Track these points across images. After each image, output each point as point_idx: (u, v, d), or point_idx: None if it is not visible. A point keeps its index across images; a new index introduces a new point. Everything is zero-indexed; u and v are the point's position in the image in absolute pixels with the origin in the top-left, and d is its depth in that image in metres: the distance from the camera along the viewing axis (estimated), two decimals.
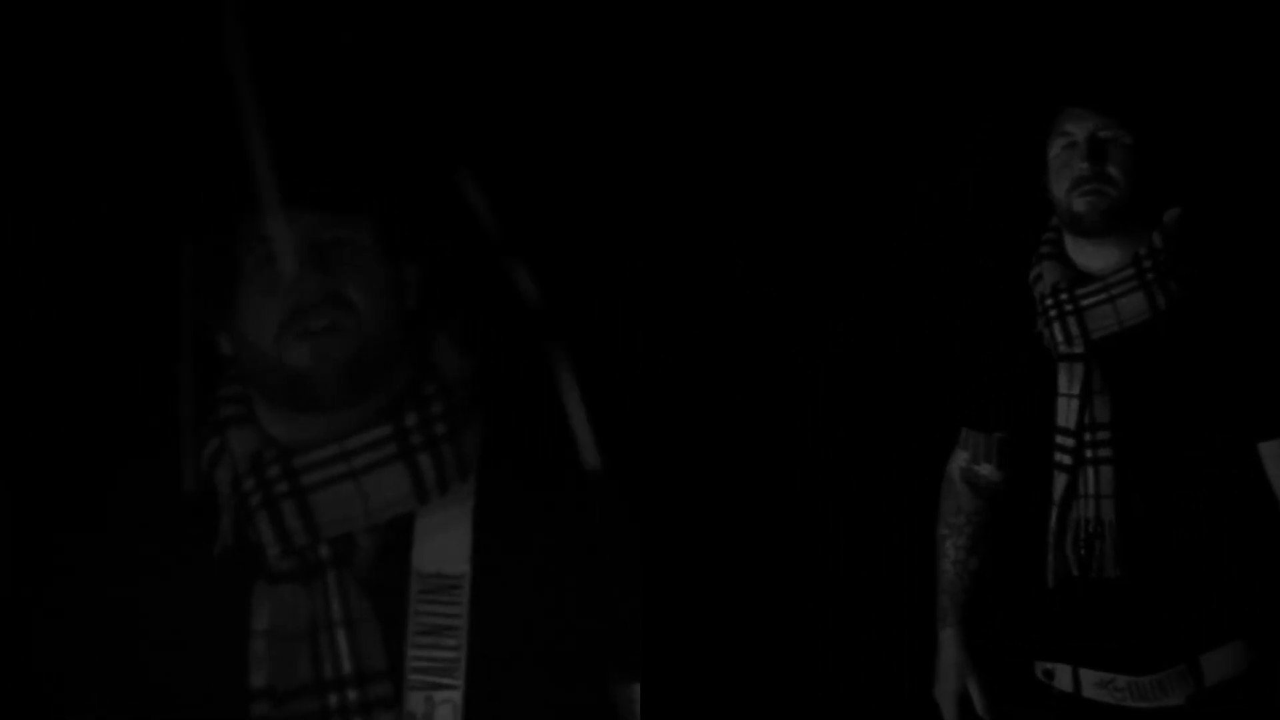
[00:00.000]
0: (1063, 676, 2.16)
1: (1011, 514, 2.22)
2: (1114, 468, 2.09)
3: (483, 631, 1.64)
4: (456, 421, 1.67)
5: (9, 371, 2.13)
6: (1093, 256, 2.12)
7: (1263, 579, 2.09)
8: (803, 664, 2.61)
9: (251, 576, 1.62)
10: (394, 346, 1.65)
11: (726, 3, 2.54)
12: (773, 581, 2.63)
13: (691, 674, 2.54)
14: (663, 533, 2.37)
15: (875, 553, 2.37)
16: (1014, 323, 2.19)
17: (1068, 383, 2.11)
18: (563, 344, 1.83)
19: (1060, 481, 2.11)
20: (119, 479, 1.72)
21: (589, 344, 2.28)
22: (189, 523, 1.66)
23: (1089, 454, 2.10)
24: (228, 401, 1.68)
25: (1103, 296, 2.09)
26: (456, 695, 1.63)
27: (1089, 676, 2.13)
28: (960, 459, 2.27)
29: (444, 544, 1.65)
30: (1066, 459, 2.10)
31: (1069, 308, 2.10)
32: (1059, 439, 2.11)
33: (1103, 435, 2.09)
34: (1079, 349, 2.10)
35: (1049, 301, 2.12)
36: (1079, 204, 2.08)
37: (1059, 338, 2.11)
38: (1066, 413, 2.11)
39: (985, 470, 2.25)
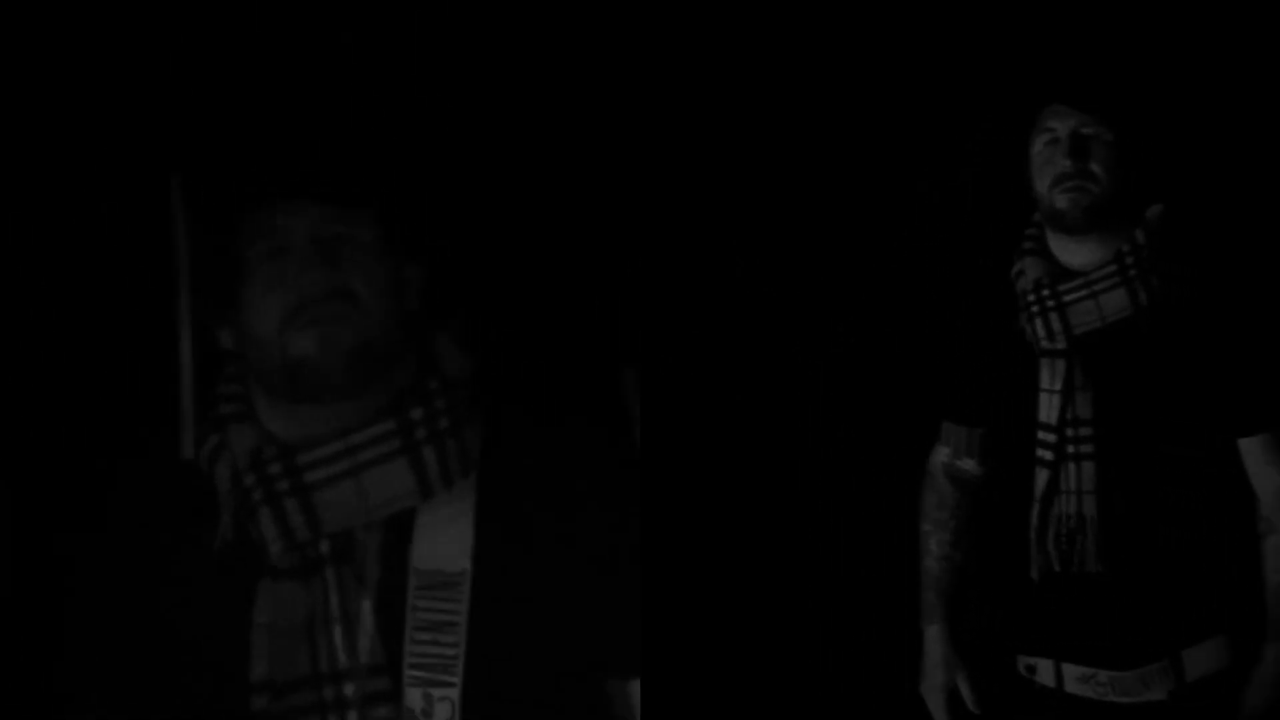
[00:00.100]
0: (1045, 671, 2.17)
1: (993, 509, 2.22)
2: (1096, 463, 2.10)
3: (482, 629, 1.65)
4: (459, 418, 1.69)
5: (9, 366, 2.14)
6: (1075, 253, 2.13)
7: (1243, 575, 2.09)
8: (803, 663, 2.62)
9: (251, 571, 1.63)
10: (396, 342, 1.66)
11: (726, 3, 2.54)
12: (772, 581, 2.64)
13: (691, 672, 2.55)
14: (662, 532, 2.38)
15: (875, 552, 2.37)
16: (996, 318, 2.19)
17: (1050, 378, 2.12)
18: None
19: (1042, 477, 2.12)
20: (118, 474, 1.73)
21: (589, 344, 2.30)
22: (189, 518, 1.67)
23: (1071, 449, 2.10)
24: (226, 399, 1.70)
25: (1085, 292, 2.10)
26: (455, 692, 1.64)
27: (1071, 671, 2.14)
28: (942, 454, 2.28)
29: (444, 541, 1.67)
30: (1048, 454, 2.11)
31: (1051, 303, 2.11)
32: (1041, 434, 2.12)
33: (1085, 431, 2.10)
34: (1061, 345, 2.11)
35: (1031, 297, 2.13)
36: (1061, 200, 2.09)
37: (1041, 333, 2.12)
38: (1048, 408, 2.12)
39: (967, 465, 2.26)
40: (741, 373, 2.64)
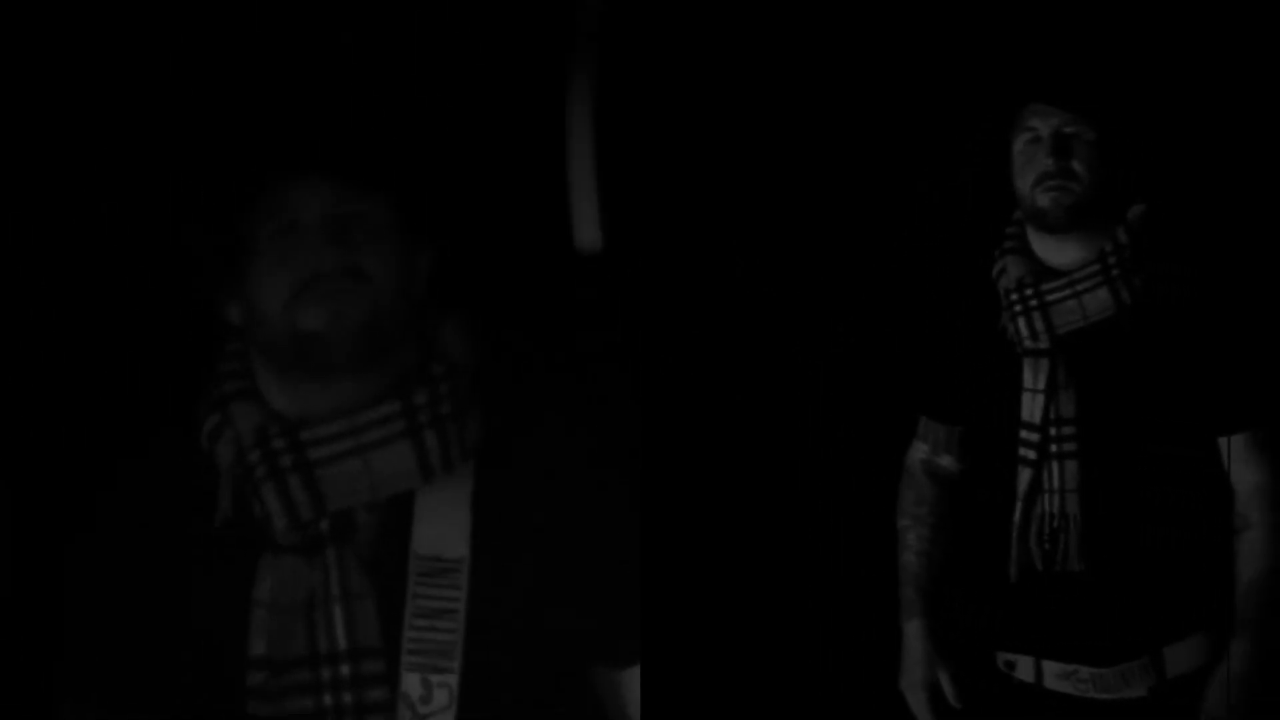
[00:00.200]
0: (1024, 667, 2.18)
1: (972, 506, 2.22)
2: (1079, 462, 2.10)
3: (480, 615, 1.65)
4: (461, 404, 1.70)
5: (8, 348, 2.15)
6: (1056, 251, 2.14)
7: (1223, 573, 2.10)
8: (801, 656, 2.62)
9: (251, 548, 1.64)
10: (403, 325, 1.67)
11: (726, 2, 2.55)
12: (772, 580, 2.64)
13: (689, 658, 2.55)
14: (661, 531, 2.38)
15: (874, 549, 2.37)
16: (975, 315, 2.20)
17: (1033, 378, 2.13)
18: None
19: (1025, 476, 2.13)
20: (118, 452, 1.73)
21: (589, 344, 2.30)
22: (189, 495, 1.68)
23: (1054, 449, 2.11)
24: (229, 376, 1.71)
25: (1068, 292, 2.11)
26: (453, 679, 1.64)
27: (1051, 668, 2.15)
28: (920, 451, 2.29)
29: (442, 527, 1.67)
30: (1031, 454, 2.12)
31: (1034, 303, 2.11)
32: (1024, 434, 2.13)
33: (1068, 430, 2.11)
34: (1044, 344, 2.12)
35: (1014, 296, 2.13)
36: (1043, 199, 2.09)
37: (1024, 333, 2.13)
38: (1031, 408, 2.12)
39: (945, 462, 2.27)
40: (742, 373, 2.64)
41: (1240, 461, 2.11)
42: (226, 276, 1.68)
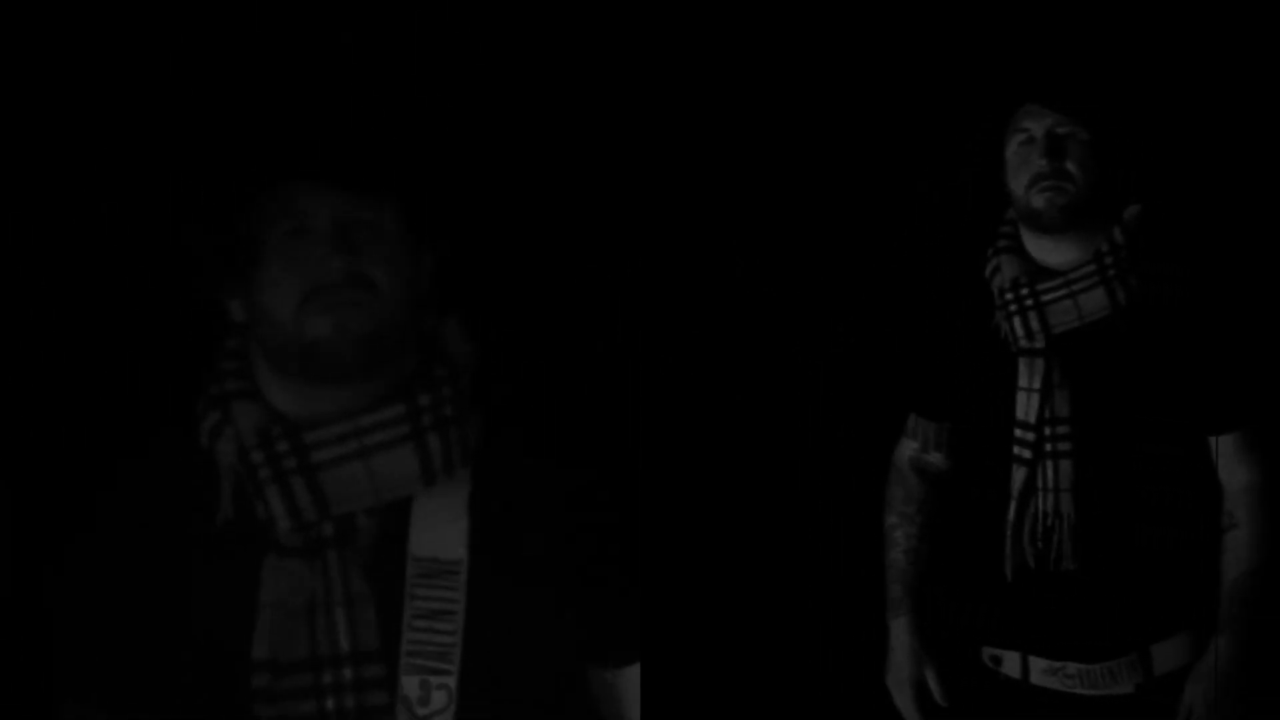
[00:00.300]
0: (1011, 663, 2.19)
1: (965, 505, 2.23)
2: (1073, 461, 2.12)
3: (479, 617, 1.65)
4: (462, 406, 1.69)
5: (8, 348, 2.15)
6: (1051, 252, 2.15)
7: (1213, 572, 2.13)
8: (803, 662, 2.62)
9: (253, 548, 1.64)
10: (407, 328, 1.67)
11: (726, 3, 2.55)
12: (772, 581, 2.64)
13: (689, 661, 2.55)
14: (661, 531, 2.39)
15: (876, 552, 2.37)
16: (967, 313, 2.21)
17: (1028, 377, 2.14)
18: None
19: (1019, 475, 2.14)
20: (118, 452, 1.73)
21: (589, 343, 2.30)
22: (189, 495, 1.68)
23: (1048, 448, 2.12)
24: (230, 375, 1.70)
25: (1064, 292, 2.12)
26: (452, 680, 1.64)
27: (1038, 664, 2.17)
28: (909, 448, 2.31)
29: (440, 529, 1.67)
30: (1026, 453, 2.13)
31: (1029, 302, 2.12)
32: (1018, 433, 2.14)
33: (1062, 430, 2.12)
34: (1040, 344, 2.13)
35: (1009, 296, 2.14)
36: (1038, 200, 2.10)
37: (1019, 332, 2.14)
38: (1026, 407, 2.13)
39: (934, 459, 2.29)
40: (742, 373, 2.64)
41: (1230, 460, 2.13)
42: (229, 275, 1.68)
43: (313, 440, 1.64)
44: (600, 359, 2.31)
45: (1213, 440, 2.13)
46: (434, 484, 1.67)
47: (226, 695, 1.62)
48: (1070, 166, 2.09)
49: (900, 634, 2.29)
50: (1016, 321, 2.13)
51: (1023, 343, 2.14)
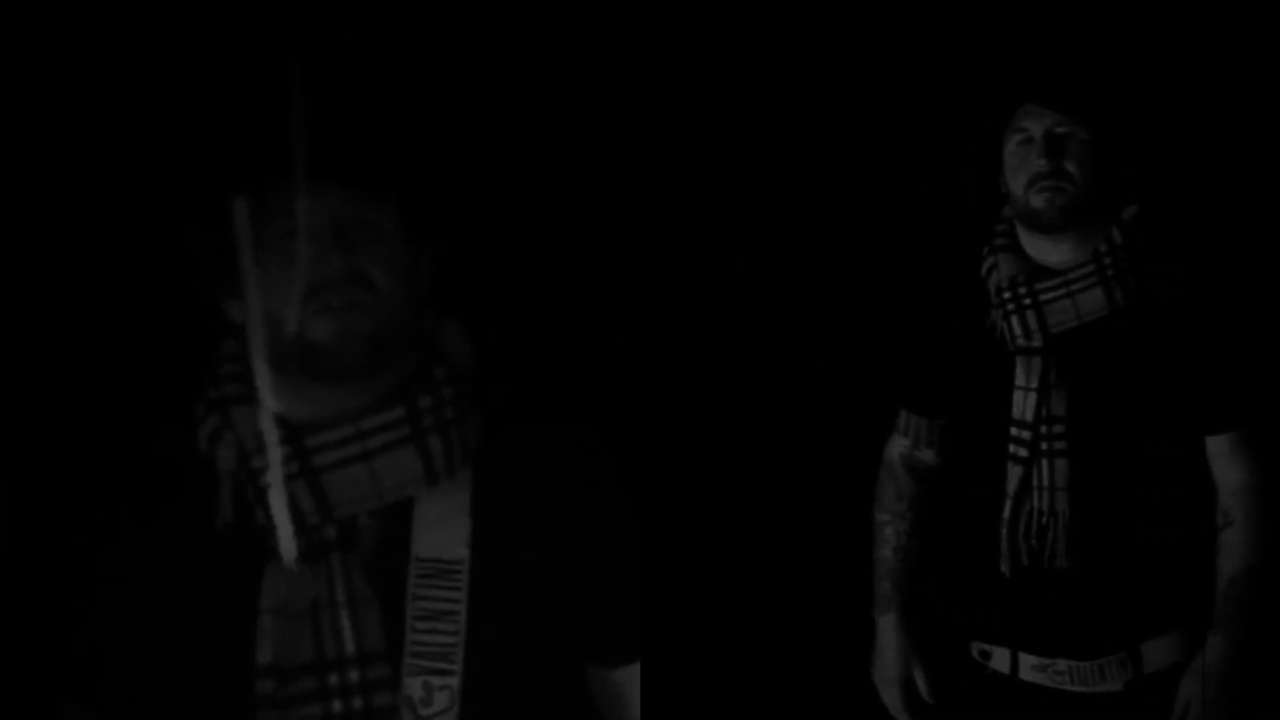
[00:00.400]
0: (1000, 658, 2.19)
1: (957, 502, 2.24)
2: (1069, 460, 2.13)
3: (481, 617, 1.65)
4: (463, 407, 1.69)
5: (8, 348, 2.15)
6: (1049, 251, 2.16)
7: (1205, 572, 2.14)
8: (804, 662, 2.63)
9: (254, 554, 1.64)
10: (407, 329, 1.67)
11: (726, 3, 2.55)
12: (772, 581, 2.64)
13: (690, 661, 2.55)
14: (661, 531, 2.39)
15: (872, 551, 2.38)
16: (961, 310, 2.22)
17: (1025, 376, 2.14)
18: None
19: (1015, 473, 2.15)
20: (120, 457, 1.73)
21: (589, 343, 2.30)
22: (190, 500, 1.67)
23: (1044, 446, 2.13)
24: (228, 379, 1.69)
25: (1062, 292, 2.13)
26: (455, 681, 1.64)
27: (1027, 659, 2.17)
28: (901, 444, 2.32)
29: (443, 529, 1.68)
30: (1022, 451, 2.14)
31: (1027, 301, 2.13)
32: (1015, 431, 2.15)
33: (1058, 429, 2.13)
34: (1037, 343, 2.14)
35: (1006, 295, 2.15)
36: (1037, 200, 2.11)
37: (1017, 331, 2.14)
38: (1023, 406, 2.14)
39: (926, 456, 2.30)
40: (742, 373, 2.64)
41: (1225, 460, 2.14)
42: (228, 275, 1.67)
43: (313, 444, 1.63)
44: (600, 359, 2.31)
45: (1207, 439, 2.14)
46: (436, 484, 1.67)
47: (228, 700, 1.62)
48: (1069, 166, 2.10)
49: (888, 630, 2.30)
50: (1014, 320, 2.14)
51: (1020, 342, 2.15)
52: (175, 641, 1.64)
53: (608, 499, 1.76)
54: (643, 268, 2.40)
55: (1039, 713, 2.18)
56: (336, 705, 1.62)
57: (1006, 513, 2.15)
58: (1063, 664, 2.16)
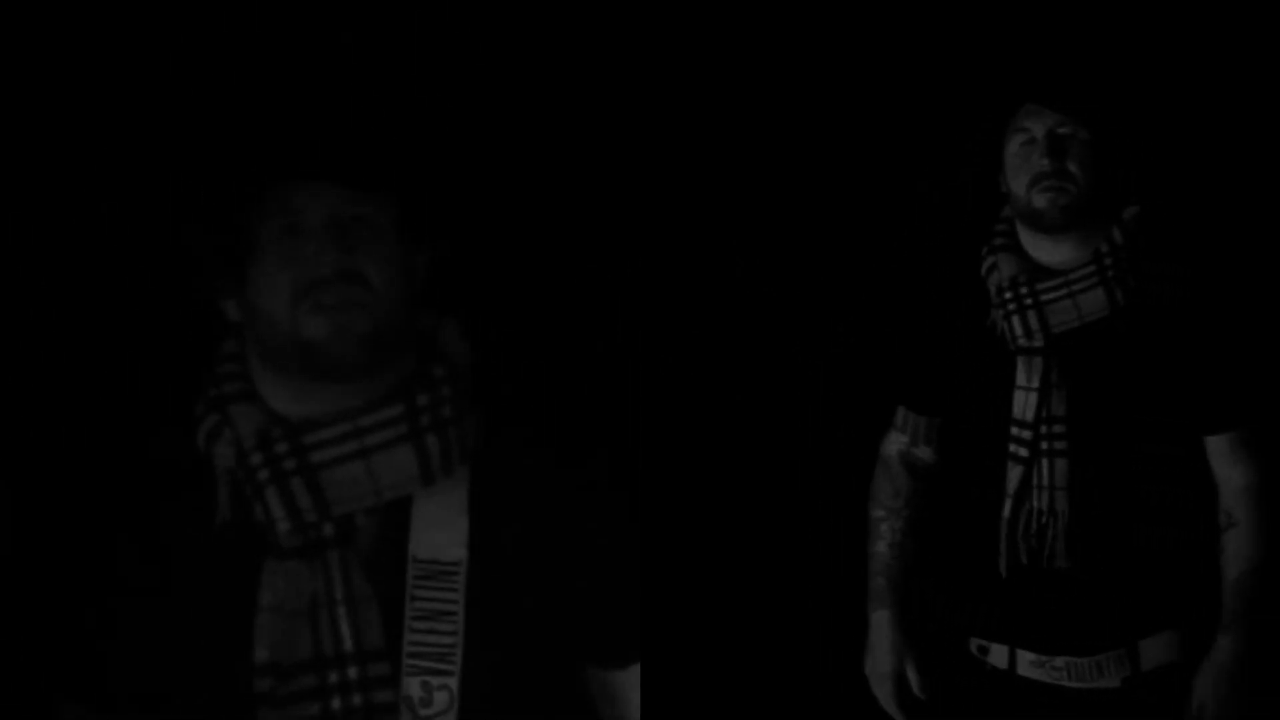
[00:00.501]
0: (998, 654, 2.20)
1: (956, 500, 2.24)
2: (1069, 460, 2.13)
3: (479, 618, 1.65)
4: (461, 406, 1.69)
5: (8, 348, 2.15)
6: (1050, 251, 2.17)
7: (1203, 570, 2.15)
8: (804, 665, 2.63)
9: (252, 552, 1.63)
10: (404, 328, 1.66)
11: (726, 3, 2.55)
12: (772, 582, 2.64)
13: (690, 662, 2.55)
14: (661, 532, 2.39)
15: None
16: (961, 309, 2.23)
17: (1026, 376, 2.15)
18: None
19: (1016, 473, 2.16)
20: (118, 456, 1.72)
21: (589, 343, 2.30)
22: (189, 497, 1.67)
23: (1045, 446, 2.13)
24: (227, 378, 1.69)
25: (1064, 292, 2.14)
26: (453, 681, 1.64)
27: (1025, 655, 2.18)
28: (898, 441, 2.32)
29: (440, 530, 1.67)
30: (1023, 451, 2.15)
31: (1029, 301, 2.14)
32: (1015, 431, 2.16)
33: (1059, 428, 2.14)
34: (1038, 343, 2.14)
35: (1007, 295, 2.16)
36: (1040, 200, 2.12)
37: (1018, 331, 2.15)
38: (1024, 405, 2.15)
39: (923, 453, 2.30)
40: (742, 373, 2.64)
41: (1226, 460, 2.16)
42: (225, 274, 1.67)
43: (311, 441, 1.63)
44: (600, 359, 2.31)
45: (1208, 439, 2.14)
46: (433, 484, 1.66)
47: (228, 699, 1.62)
48: (1072, 167, 2.10)
49: (881, 626, 2.31)
50: (1015, 320, 2.14)
51: (1021, 341, 2.15)
52: (174, 640, 1.63)
53: (607, 499, 1.76)
54: (643, 267, 2.39)
55: (1036, 709, 2.19)
56: (336, 703, 1.61)
57: (1006, 512, 2.16)
58: (1060, 660, 2.17)
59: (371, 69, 2.15)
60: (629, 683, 1.81)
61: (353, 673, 1.62)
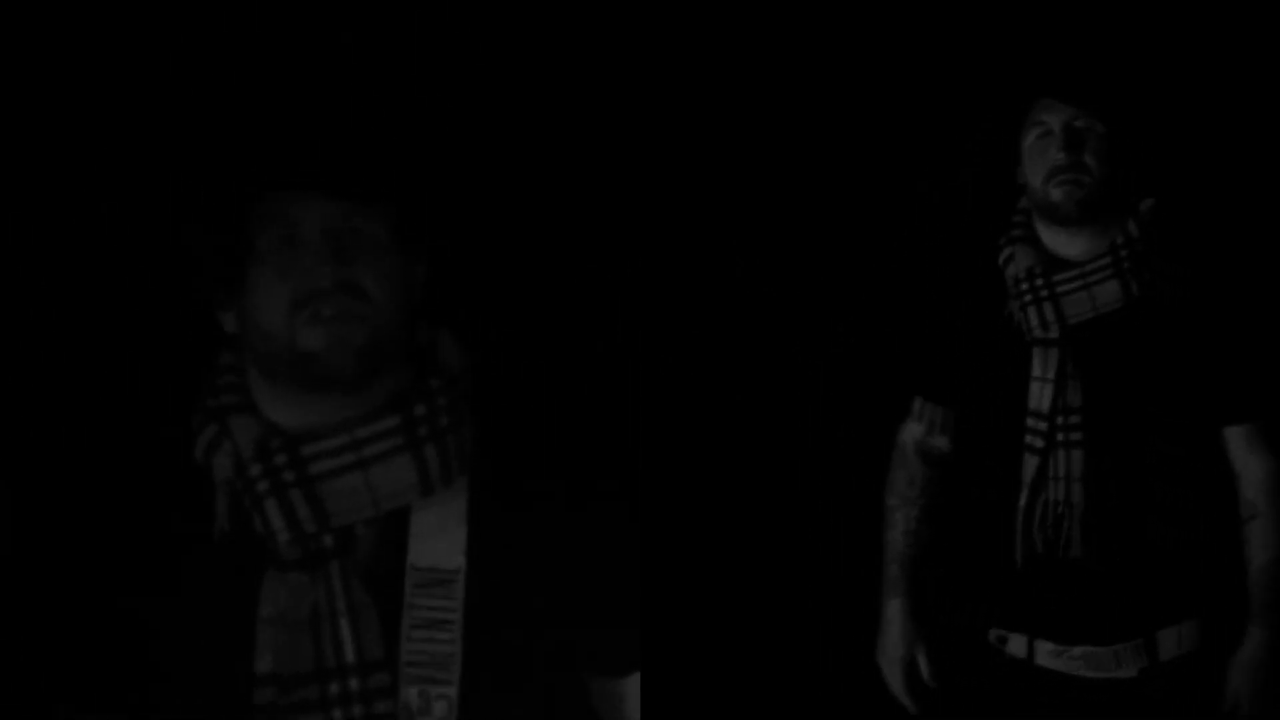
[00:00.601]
0: (1016, 643, 2.20)
1: (972, 490, 2.25)
2: (1084, 451, 2.14)
3: (478, 627, 1.65)
4: (458, 416, 1.69)
5: (8, 348, 2.15)
6: (1066, 244, 2.19)
7: (1221, 561, 2.16)
8: (804, 671, 2.63)
9: (252, 562, 1.63)
10: (401, 338, 1.66)
11: (726, 3, 2.54)
12: (773, 587, 2.65)
13: (689, 670, 2.55)
14: (661, 538, 2.39)
15: (874, 549, 2.37)
16: (977, 300, 2.24)
17: (1042, 367, 2.17)
18: None
19: (1031, 464, 2.17)
20: (119, 454, 1.72)
21: (589, 344, 2.30)
22: (187, 509, 1.67)
23: (1060, 437, 2.14)
24: (225, 389, 1.69)
25: (1079, 284, 2.16)
26: (452, 690, 1.64)
27: (1044, 645, 2.18)
28: (915, 431, 2.33)
29: (438, 538, 1.67)
30: (1039, 442, 2.16)
31: (1045, 293, 2.15)
32: (1031, 422, 2.17)
33: (1074, 420, 2.15)
34: (1054, 334, 2.16)
35: (1024, 286, 2.17)
36: (1056, 193, 2.14)
37: (1034, 322, 2.16)
38: (1040, 397, 2.16)
39: (940, 443, 2.31)
40: (742, 373, 2.64)
41: (1244, 451, 2.18)
42: (223, 283, 1.67)
43: (310, 452, 1.63)
44: (600, 360, 2.30)
45: (1225, 431, 2.16)
46: (432, 493, 1.66)
47: (228, 710, 1.62)
48: (1088, 160, 2.12)
49: (894, 614, 2.32)
50: (1032, 312, 2.16)
51: (1037, 333, 2.17)
52: (174, 652, 1.64)
53: (606, 507, 1.76)
54: (643, 266, 2.39)
55: (1053, 700, 2.20)
56: (337, 714, 1.61)
57: (1023, 503, 2.17)
58: (1079, 650, 2.18)
59: (366, 78, 2.15)
60: (628, 691, 1.81)
61: (354, 684, 1.62)
